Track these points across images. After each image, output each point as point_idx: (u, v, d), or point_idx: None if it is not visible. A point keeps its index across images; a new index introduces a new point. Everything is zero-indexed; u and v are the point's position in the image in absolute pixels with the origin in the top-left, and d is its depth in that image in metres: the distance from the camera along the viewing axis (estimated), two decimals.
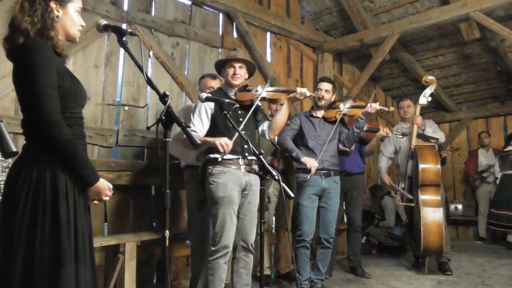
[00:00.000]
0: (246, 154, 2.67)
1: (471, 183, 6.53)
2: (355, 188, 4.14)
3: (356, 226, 4.14)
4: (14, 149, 1.13)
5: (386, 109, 3.32)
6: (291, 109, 3.11)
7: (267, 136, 2.82)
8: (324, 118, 3.51)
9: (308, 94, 2.71)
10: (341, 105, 3.47)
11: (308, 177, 3.24)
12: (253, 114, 2.79)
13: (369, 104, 3.26)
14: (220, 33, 4.63)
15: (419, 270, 4.22)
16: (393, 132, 4.02)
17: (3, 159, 2.57)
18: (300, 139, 3.48)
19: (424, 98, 4.05)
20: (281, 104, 2.84)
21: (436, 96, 6.32)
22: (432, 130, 4.21)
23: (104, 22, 1.75)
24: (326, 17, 5.69)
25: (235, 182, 2.62)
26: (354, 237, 4.18)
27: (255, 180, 2.70)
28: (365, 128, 3.93)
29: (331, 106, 3.55)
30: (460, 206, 6.56)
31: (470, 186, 6.68)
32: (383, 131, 3.74)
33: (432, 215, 3.86)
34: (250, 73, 2.92)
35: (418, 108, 4.10)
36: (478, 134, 6.48)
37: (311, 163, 3.20)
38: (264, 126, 2.84)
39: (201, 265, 3.04)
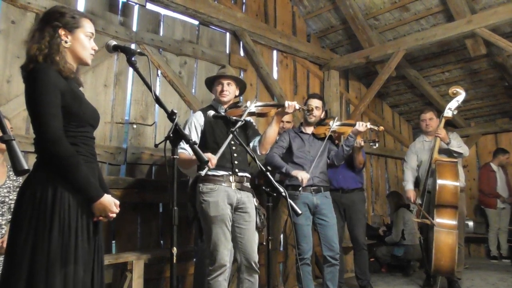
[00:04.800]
0: (236, 170, 2.65)
1: (489, 200, 6.15)
2: (354, 204, 4.00)
3: (360, 244, 4.02)
4: (26, 167, 1.15)
5: (376, 128, 3.30)
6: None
7: (258, 152, 2.79)
8: (313, 134, 3.53)
9: (297, 107, 2.70)
10: (331, 122, 3.48)
11: (300, 189, 3.23)
12: (243, 130, 2.79)
13: (359, 123, 3.26)
14: (227, 51, 4.70)
15: None
16: (365, 141, 3.77)
17: (14, 178, 2.61)
18: (289, 155, 3.48)
19: (450, 111, 3.87)
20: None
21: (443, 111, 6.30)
22: (457, 143, 4.00)
23: (113, 42, 1.80)
24: (332, 35, 5.75)
25: (226, 200, 2.59)
26: (360, 255, 4.06)
27: (247, 197, 2.68)
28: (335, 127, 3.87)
29: (321, 122, 3.56)
30: (471, 223, 6.43)
31: (483, 202, 6.35)
32: (356, 143, 3.58)
33: (445, 238, 3.66)
34: (241, 90, 2.92)
35: (443, 121, 3.91)
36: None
37: (301, 175, 3.19)
38: (255, 142, 2.82)
39: (203, 281, 3.03)
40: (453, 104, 3.89)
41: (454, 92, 3.90)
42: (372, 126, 3.27)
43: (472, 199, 6.88)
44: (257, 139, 2.82)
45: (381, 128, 3.34)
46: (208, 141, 2.69)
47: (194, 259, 3.82)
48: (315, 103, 3.48)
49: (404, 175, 4.36)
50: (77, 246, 1.52)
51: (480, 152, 6.96)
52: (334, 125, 3.42)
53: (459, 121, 6.83)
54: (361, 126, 3.24)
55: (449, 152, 4.00)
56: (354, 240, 4.09)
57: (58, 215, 1.50)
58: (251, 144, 2.83)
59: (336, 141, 3.75)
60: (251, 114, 2.75)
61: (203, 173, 2.49)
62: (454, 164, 3.83)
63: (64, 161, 1.52)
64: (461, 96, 3.88)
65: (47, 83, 1.54)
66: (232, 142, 2.63)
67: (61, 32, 1.65)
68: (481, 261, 6.03)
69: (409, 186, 4.21)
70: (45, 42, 1.61)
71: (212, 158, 2.40)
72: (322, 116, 3.60)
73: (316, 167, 3.38)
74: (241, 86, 2.93)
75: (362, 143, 3.64)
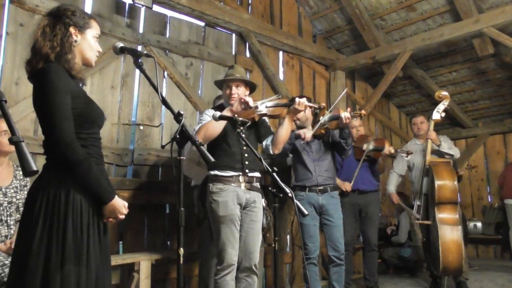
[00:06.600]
0: (247, 171, 2.65)
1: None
2: (369, 205, 4.07)
3: (372, 245, 4.07)
4: (35, 168, 1.16)
5: (358, 113, 3.37)
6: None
7: (271, 151, 2.79)
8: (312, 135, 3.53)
9: (307, 103, 2.70)
10: (321, 118, 3.49)
11: (303, 142, 3.38)
12: (257, 128, 2.80)
13: (341, 114, 3.24)
14: (233, 53, 4.70)
15: None
16: (398, 150, 4.02)
17: (21, 178, 2.64)
18: (296, 158, 3.50)
19: (438, 114, 4.00)
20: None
21: (451, 112, 6.26)
22: (448, 145, 4.17)
23: (120, 44, 1.81)
24: (338, 35, 5.73)
25: (235, 200, 2.60)
26: (370, 256, 4.10)
27: (257, 197, 2.68)
28: (371, 147, 3.98)
29: (316, 121, 3.56)
30: (479, 224, 6.37)
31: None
32: (386, 149, 3.83)
33: (450, 234, 3.72)
34: (251, 89, 2.91)
35: (432, 123, 4.06)
36: None
37: (303, 131, 3.31)
38: (268, 141, 2.82)
39: (208, 281, 3.04)
40: (441, 107, 4.01)
41: (440, 96, 4.04)
42: (353, 113, 3.29)
43: (480, 200, 6.82)
44: (270, 138, 2.82)
45: (363, 112, 3.39)
46: (219, 139, 2.69)
47: (200, 260, 3.84)
48: None
49: (388, 180, 4.52)
50: (89, 247, 1.53)
51: (488, 153, 6.89)
52: (325, 121, 3.41)
53: (467, 121, 6.77)
54: (344, 118, 3.18)
55: (439, 153, 4.15)
56: (366, 241, 4.13)
57: (72, 217, 1.51)
58: (264, 143, 2.83)
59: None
60: (262, 115, 2.76)
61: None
62: (448, 163, 3.99)
63: (77, 164, 1.52)
64: (447, 100, 4.02)
65: (59, 85, 1.53)
66: (243, 142, 2.64)
67: (72, 30, 1.65)
68: (490, 262, 5.98)
69: (391, 189, 4.42)
70: (57, 39, 1.60)
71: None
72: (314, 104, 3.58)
73: (320, 166, 3.39)
74: (251, 86, 2.94)
75: (392, 151, 3.86)
